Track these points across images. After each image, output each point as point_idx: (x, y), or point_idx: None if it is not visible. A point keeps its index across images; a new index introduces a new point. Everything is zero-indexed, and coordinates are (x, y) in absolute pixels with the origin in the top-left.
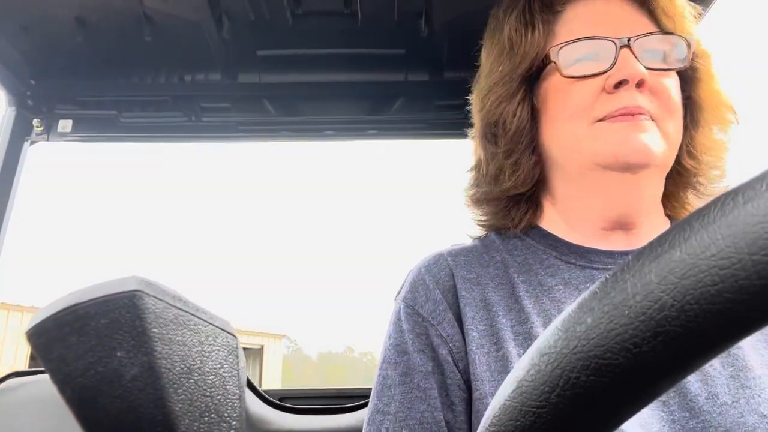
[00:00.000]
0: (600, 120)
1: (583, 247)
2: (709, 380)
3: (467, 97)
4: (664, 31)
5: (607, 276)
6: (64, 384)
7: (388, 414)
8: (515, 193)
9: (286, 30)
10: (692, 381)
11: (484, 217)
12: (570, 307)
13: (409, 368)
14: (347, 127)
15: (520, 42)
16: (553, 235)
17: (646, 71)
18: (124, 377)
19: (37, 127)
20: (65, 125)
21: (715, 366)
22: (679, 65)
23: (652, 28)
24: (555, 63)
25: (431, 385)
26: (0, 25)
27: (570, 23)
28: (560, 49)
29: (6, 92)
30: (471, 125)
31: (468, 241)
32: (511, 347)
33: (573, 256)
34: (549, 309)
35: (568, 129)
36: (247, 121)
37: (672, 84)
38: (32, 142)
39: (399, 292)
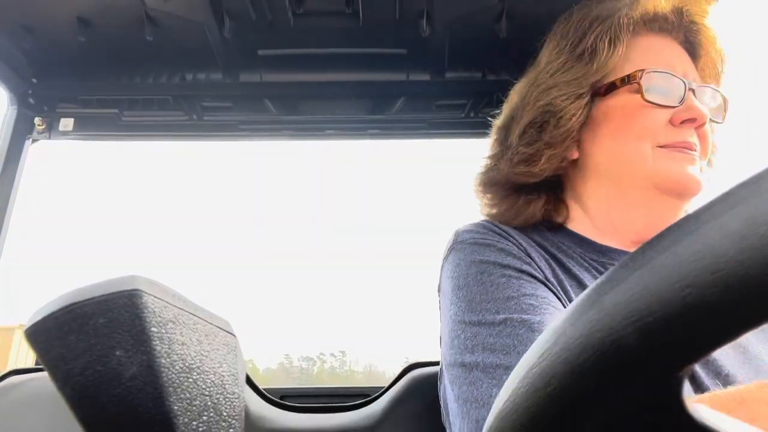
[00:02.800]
0: (661, 147)
1: (609, 247)
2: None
3: (468, 97)
4: (714, 87)
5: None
6: (63, 383)
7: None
8: (535, 180)
9: (288, 29)
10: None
11: (495, 210)
12: (566, 309)
13: (516, 270)
14: (348, 127)
15: (603, 54)
16: (584, 237)
17: (708, 116)
18: (123, 376)
19: (39, 125)
20: (67, 124)
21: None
22: (720, 120)
23: (698, 77)
24: (639, 85)
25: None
26: (2, 24)
27: (646, 53)
28: (645, 74)
29: (8, 91)
30: (472, 124)
31: None
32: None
33: (596, 254)
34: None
35: (634, 147)
36: (249, 120)
37: (710, 131)
38: (34, 141)
39: (453, 244)
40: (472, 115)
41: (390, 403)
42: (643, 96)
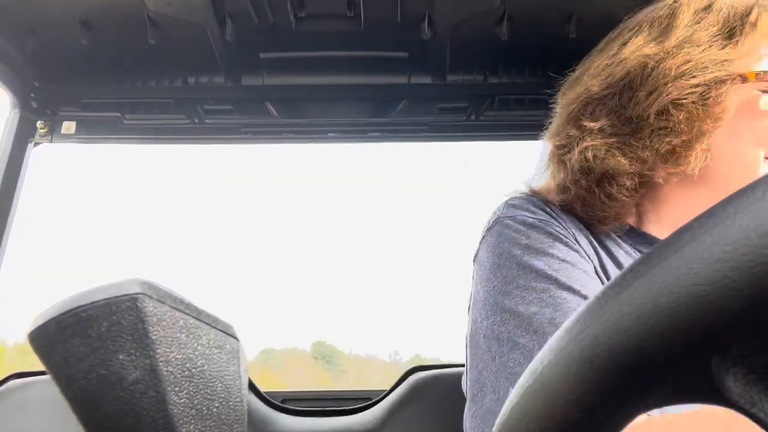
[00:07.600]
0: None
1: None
2: None
3: (470, 100)
4: None
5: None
6: (66, 386)
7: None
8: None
9: (290, 33)
10: None
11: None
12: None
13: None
14: (350, 130)
15: (748, 39)
16: (636, 228)
17: None
18: (126, 380)
19: (41, 128)
20: (69, 127)
21: None
22: None
23: None
24: None
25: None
26: (4, 27)
27: None
28: None
29: (10, 94)
30: (474, 127)
31: None
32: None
33: (646, 246)
34: None
35: (753, 153)
36: (250, 123)
37: None
38: (36, 144)
39: (499, 217)
40: (473, 118)
41: (392, 407)
42: None
